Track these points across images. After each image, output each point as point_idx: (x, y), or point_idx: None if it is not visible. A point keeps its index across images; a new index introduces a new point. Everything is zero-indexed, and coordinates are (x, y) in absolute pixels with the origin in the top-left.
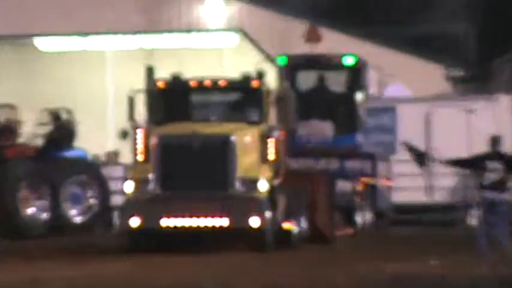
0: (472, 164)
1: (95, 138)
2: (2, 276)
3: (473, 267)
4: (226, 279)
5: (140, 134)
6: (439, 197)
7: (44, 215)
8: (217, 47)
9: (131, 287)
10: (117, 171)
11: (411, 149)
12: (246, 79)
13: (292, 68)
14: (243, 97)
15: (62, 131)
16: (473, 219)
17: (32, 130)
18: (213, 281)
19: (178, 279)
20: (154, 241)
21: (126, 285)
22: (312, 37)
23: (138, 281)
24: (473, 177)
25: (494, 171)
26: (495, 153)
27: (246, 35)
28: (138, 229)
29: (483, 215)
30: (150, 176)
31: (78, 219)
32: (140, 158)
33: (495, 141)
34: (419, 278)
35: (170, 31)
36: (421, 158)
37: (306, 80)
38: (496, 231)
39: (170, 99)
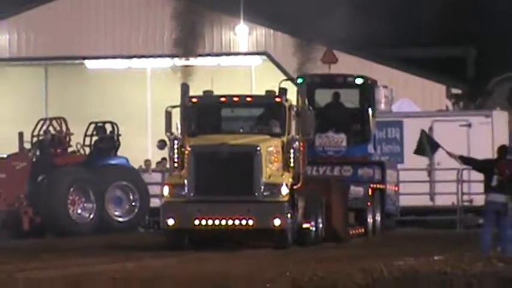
0: (482, 165)
1: (136, 148)
2: (47, 272)
3: (472, 264)
4: (255, 271)
5: (176, 145)
6: (441, 201)
7: (91, 216)
8: (246, 66)
9: (169, 278)
10: (157, 177)
11: (428, 137)
12: (270, 96)
13: (310, 86)
14: (267, 112)
15: (106, 141)
16: (473, 220)
17: (80, 140)
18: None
19: (211, 272)
20: (188, 239)
21: (162, 277)
22: (328, 59)
23: (175, 274)
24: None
25: (500, 175)
26: (503, 160)
27: (270, 57)
28: (174, 228)
29: (489, 217)
30: (185, 181)
31: (121, 220)
32: (176, 165)
33: (503, 149)
34: (425, 273)
35: (203, 54)
36: (434, 147)
37: (323, 97)
38: (502, 234)
39: (202, 114)
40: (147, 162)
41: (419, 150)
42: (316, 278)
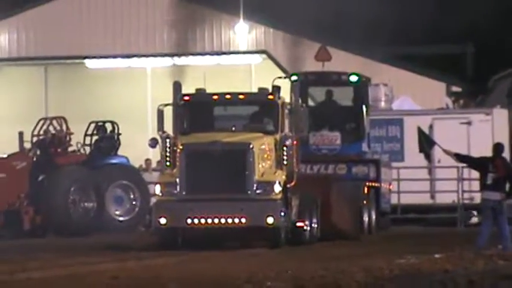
0: (477, 163)
1: (136, 147)
2: (48, 271)
3: (473, 262)
4: (255, 270)
5: (168, 143)
6: (442, 199)
7: (91, 215)
8: (245, 65)
9: (170, 278)
10: (157, 176)
11: (424, 135)
12: (262, 93)
13: (304, 84)
14: (260, 109)
15: (107, 141)
16: (473, 219)
17: (80, 140)
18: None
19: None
20: (181, 238)
21: (163, 277)
22: (322, 57)
23: (176, 273)
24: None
25: (496, 173)
26: (498, 158)
27: (270, 55)
28: (166, 227)
29: (486, 214)
30: (177, 180)
31: (121, 219)
32: (168, 164)
33: (498, 147)
34: (426, 271)
35: (203, 53)
36: (430, 144)
37: (317, 94)
38: (501, 232)
39: (195, 112)
40: (148, 161)
41: (421, 148)
42: (318, 276)
